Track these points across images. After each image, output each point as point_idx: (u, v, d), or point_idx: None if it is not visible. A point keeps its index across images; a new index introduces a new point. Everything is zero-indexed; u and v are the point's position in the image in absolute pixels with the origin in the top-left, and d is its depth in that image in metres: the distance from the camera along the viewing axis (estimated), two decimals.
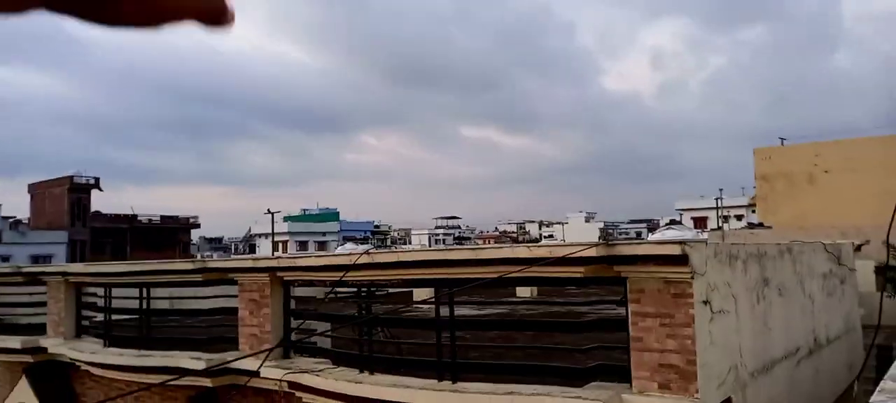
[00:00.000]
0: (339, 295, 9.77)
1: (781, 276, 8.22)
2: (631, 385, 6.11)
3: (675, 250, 5.68)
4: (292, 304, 9.08)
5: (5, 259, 56.15)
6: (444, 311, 7.24)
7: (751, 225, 33.30)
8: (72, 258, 62.74)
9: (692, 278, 5.76)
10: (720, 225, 51.05)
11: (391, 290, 11.88)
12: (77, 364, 11.82)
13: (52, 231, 64.38)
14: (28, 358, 13.26)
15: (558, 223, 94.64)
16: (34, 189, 69.97)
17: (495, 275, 6.26)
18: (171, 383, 10.14)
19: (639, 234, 78.06)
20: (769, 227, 26.01)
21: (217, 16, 0.43)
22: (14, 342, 13.23)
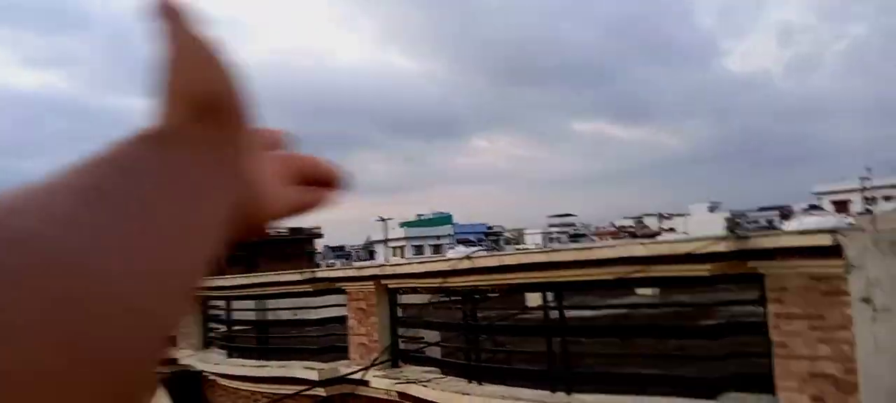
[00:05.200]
0: (448, 301, 9.47)
1: None
2: (775, 397, 5.28)
3: (825, 240, 4.82)
4: (399, 312, 8.89)
5: None
6: (557, 316, 6.71)
7: None
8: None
9: (847, 272, 4.87)
10: (868, 208, 45.98)
11: (504, 294, 11.46)
12: (205, 374, 12.39)
13: None
14: (163, 369, 14.13)
15: (679, 215, 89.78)
16: None
17: (609, 277, 5.65)
18: (288, 395, 10.32)
19: (770, 223, 72.30)
20: None
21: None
22: None
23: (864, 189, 52.39)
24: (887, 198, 54.93)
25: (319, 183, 0.49)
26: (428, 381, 7.71)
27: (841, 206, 54.40)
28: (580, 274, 6.04)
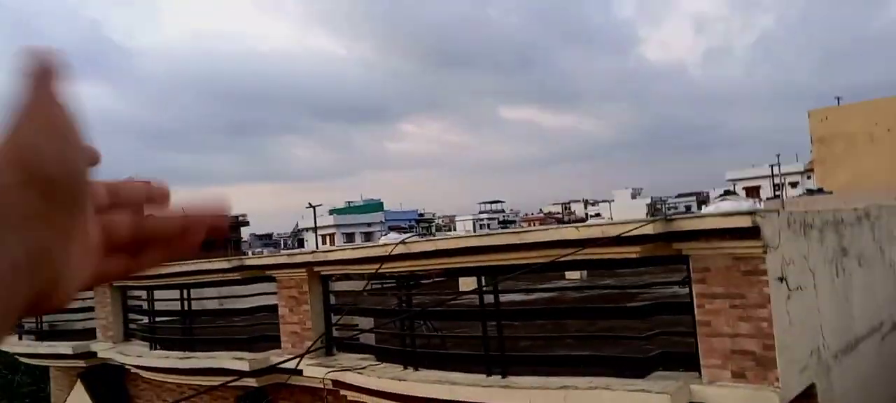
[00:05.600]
0: (382, 288, 9.39)
1: (860, 244, 7.45)
2: (700, 375, 5.53)
3: (745, 222, 5.06)
4: (332, 299, 8.75)
5: None
6: (492, 300, 6.77)
7: (809, 192, 31.72)
8: None
9: (765, 252, 5.13)
10: (777, 193, 48.92)
11: (437, 279, 11.48)
12: (127, 367, 11.84)
13: None
14: (81, 363, 13.40)
15: (604, 201, 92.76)
16: None
17: (542, 260, 5.74)
18: (216, 386, 10.00)
19: (688, 208, 75.82)
20: (829, 192, 24.67)
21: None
22: (66, 348, 13.38)
23: (773, 175, 55.74)
24: (793, 185, 58.62)
25: (181, 231, 0.49)
26: (363, 368, 7.64)
27: (752, 192, 57.63)
28: (514, 257, 6.11)
